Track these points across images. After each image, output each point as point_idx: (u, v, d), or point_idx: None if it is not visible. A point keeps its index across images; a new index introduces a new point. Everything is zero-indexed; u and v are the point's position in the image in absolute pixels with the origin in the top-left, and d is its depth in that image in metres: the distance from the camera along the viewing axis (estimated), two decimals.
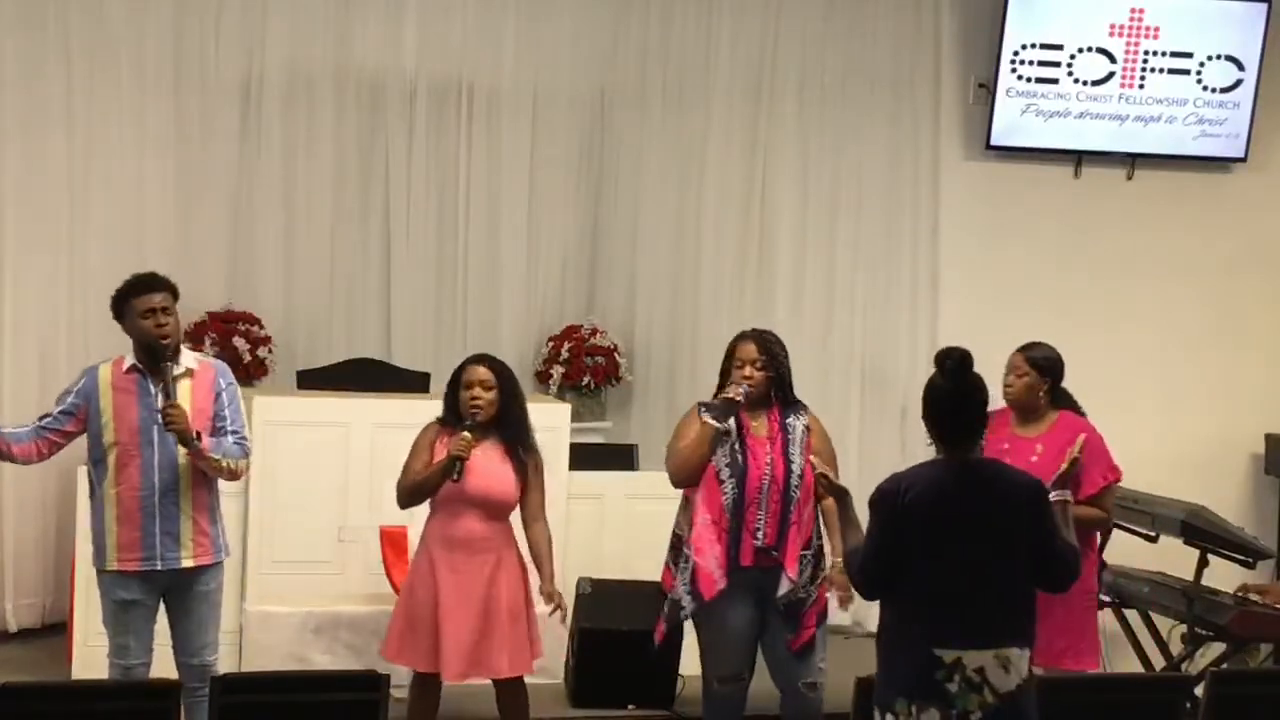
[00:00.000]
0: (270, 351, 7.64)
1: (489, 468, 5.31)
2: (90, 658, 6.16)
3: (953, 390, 4.34)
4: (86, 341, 7.47)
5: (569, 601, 6.27)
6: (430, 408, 5.57)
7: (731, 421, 5.42)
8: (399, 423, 5.95)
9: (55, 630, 7.16)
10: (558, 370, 7.99)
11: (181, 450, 5.10)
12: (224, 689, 4.45)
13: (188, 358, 5.26)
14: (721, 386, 5.55)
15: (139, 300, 5.15)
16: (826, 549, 5.49)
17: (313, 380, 7.31)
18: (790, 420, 5.50)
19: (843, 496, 4.61)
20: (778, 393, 5.51)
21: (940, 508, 4.22)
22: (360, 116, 7.96)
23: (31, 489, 7.31)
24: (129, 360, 5.19)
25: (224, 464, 5.14)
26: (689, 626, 6.66)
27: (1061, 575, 4.34)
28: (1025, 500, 4.29)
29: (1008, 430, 5.62)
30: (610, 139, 8.26)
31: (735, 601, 5.38)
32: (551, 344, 8.09)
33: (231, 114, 7.79)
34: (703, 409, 5.52)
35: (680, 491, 5.60)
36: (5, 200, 7.36)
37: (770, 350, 5.51)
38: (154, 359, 5.11)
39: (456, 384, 5.41)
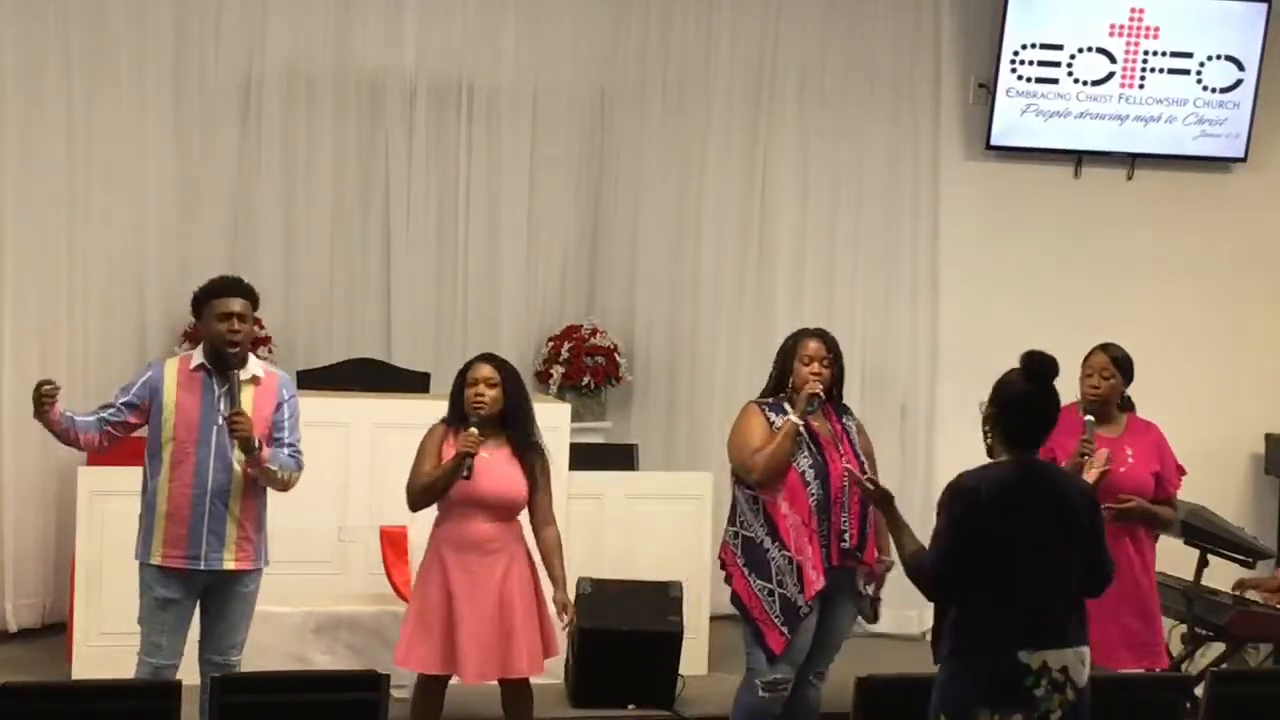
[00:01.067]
0: (270, 351, 7.64)
1: (498, 468, 5.32)
2: (90, 658, 6.17)
3: (1040, 394, 4.31)
4: (86, 341, 7.48)
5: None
6: (430, 408, 5.57)
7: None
8: (399, 423, 5.96)
9: (55, 630, 7.16)
10: (558, 370, 7.99)
11: (237, 452, 5.13)
12: (224, 689, 4.45)
13: (254, 365, 5.28)
14: (779, 383, 5.53)
15: (218, 302, 5.18)
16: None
17: (313, 380, 7.31)
18: (846, 421, 5.55)
19: (889, 502, 4.54)
20: (833, 393, 5.53)
21: (1018, 509, 4.21)
22: (360, 116, 7.96)
23: (31, 489, 7.32)
24: (197, 359, 5.21)
25: (278, 474, 5.18)
26: (695, 627, 6.69)
27: (1105, 580, 4.42)
28: (1086, 504, 4.35)
29: (1081, 431, 5.58)
30: (610, 139, 8.26)
31: (813, 608, 5.37)
32: (551, 344, 8.09)
33: (231, 114, 7.79)
34: (766, 407, 5.48)
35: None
36: (5, 200, 7.36)
37: (834, 349, 5.52)
38: (222, 360, 5.14)
39: (461, 383, 5.42)
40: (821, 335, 5.55)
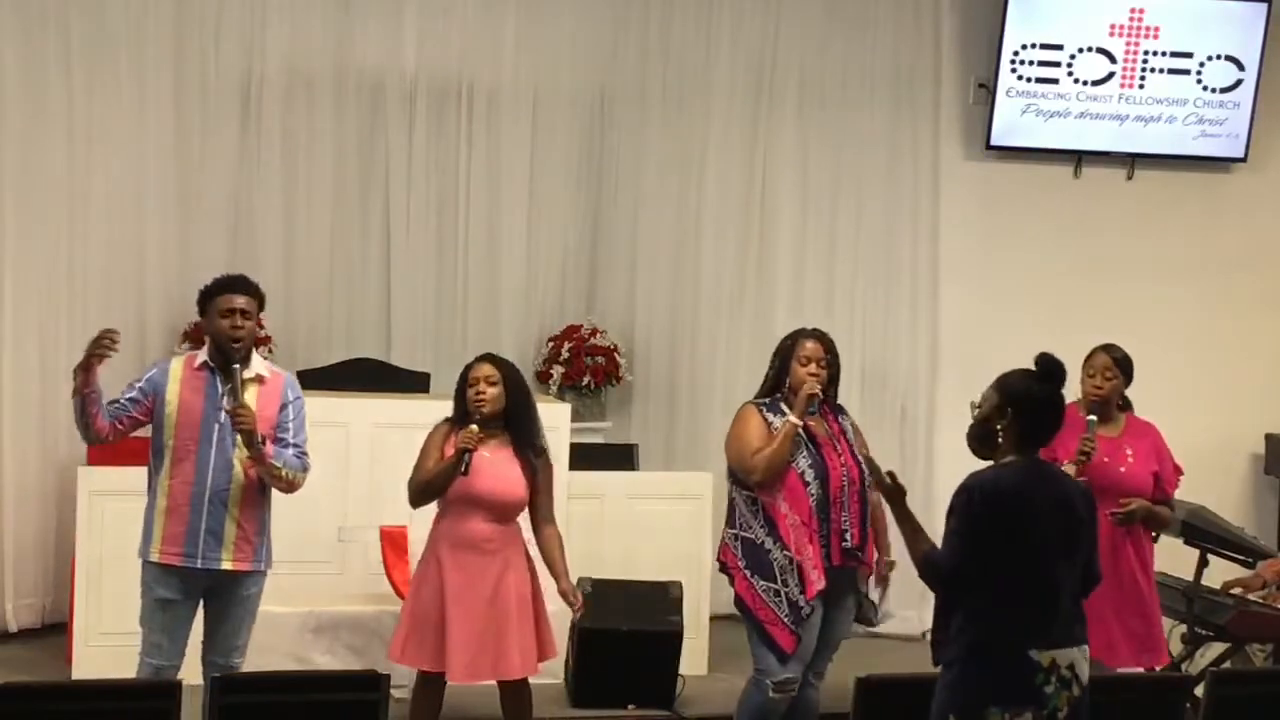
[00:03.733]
0: (270, 352, 7.63)
1: (498, 469, 5.32)
2: (90, 658, 6.17)
3: (1059, 396, 4.34)
4: (86, 341, 7.45)
5: None
6: (430, 408, 5.58)
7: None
8: (399, 423, 5.96)
9: (55, 630, 7.16)
10: (558, 370, 7.99)
11: (239, 453, 5.13)
12: (224, 689, 4.45)
13: (259, 365, 5.28)
14: (777, 383, 5.53)
15: (222, 299, 5.20)
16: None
17: (313, 380, 7.29)
18: (843, 421, 5.57)
19: (901, 496, 4.48)
20: (829, 393, 5.53)
21: (1032, 509, 4.22)
22: (360, 116, 7.95)
23: (31, 488, 7.32)
24: (201, 357, 5.22)
25: (283, 473, 5.16)
26: (695, 627, 6.69)
27: (1094, 582, 4.45)
28: (1087, 503, 4.40)
29: (1080, 426, 5.62)
30: (610, 139, 8.25)
31: (814, 607, 5.38)
32: (551, 344, 8.09)
33: (231, 114, 7.79)
34: (764, 407, 5.48)
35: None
36: (5, 200, 7.36)
37: (832, 350, 5.54)
38: (226, 358, 5.14)
39: (464, 383, 5.42)
40: (819, 336, 5.56)
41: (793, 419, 5.37)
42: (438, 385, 7.21)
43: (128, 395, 5.21)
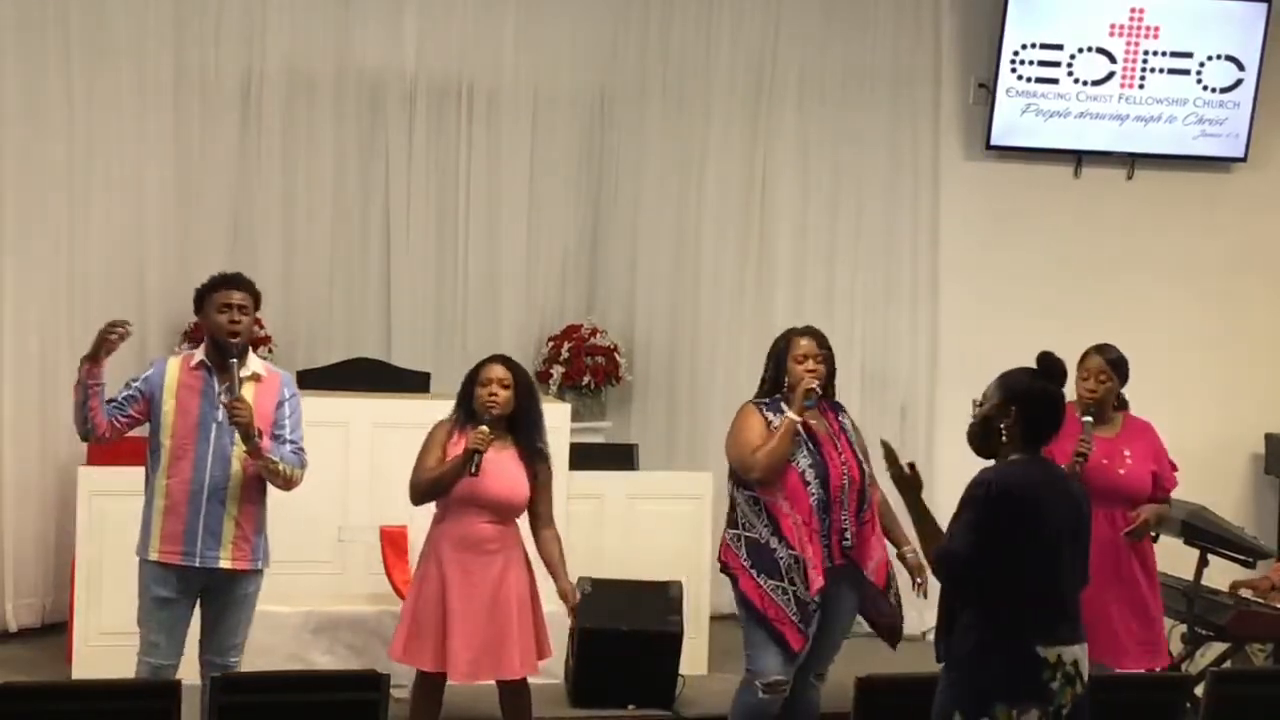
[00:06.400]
0: (270, 351, 7.63)
1: (503, 470, 5.33)
2: (90, 658, 6.17)
3: (1057, 394, 4.34)
4: (87, 342, 7.43)
5: None
6: (430, 407, 5.58)
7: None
8: (399, 423, 5.97)
9: (55, 630, 7.16)
10: (558, 370, 7.99)
11: (237, 451, 5.14)
12: (224, 689, 4.46)
13: (256, 364, 5.30)
14: (774, 383, 5.51)
15: (218, 295, 5.22)
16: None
17: (313, 380, 7.30)
18: (843, 418, 5.56)
19: (919, 489, 4.43)
20: (827, 390, 5.53)
21: (1044, 506, 4.23)
22: (360, 116, 7.96)
23: (31, 489, 7.32)
24: (198, 356, 5.24)
25: (280, 468, 5.17)
26: (695, 627, 6.69)
27: (1084, 581, 4.43)
28: (1087, 500, 4.42)
29: (1077, 428, 5.60)
30: (610, 139, 8.26)
31: (819, 606, 5.38)
32: (551, 344, 8.09)
33: (231, 114, 7.79)
34: (764, 407, 5.47)
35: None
36: (5, 201, 7.36)
37: (826, 346, 5.53)
38: (223, 355, 5.15)
39: (472, 382, 5.42)
40: (813, 333, 5.56)
41: (791, 415, 5.36)
42: (438, 385, 7.21)
43: (125, 394, 5.23)
